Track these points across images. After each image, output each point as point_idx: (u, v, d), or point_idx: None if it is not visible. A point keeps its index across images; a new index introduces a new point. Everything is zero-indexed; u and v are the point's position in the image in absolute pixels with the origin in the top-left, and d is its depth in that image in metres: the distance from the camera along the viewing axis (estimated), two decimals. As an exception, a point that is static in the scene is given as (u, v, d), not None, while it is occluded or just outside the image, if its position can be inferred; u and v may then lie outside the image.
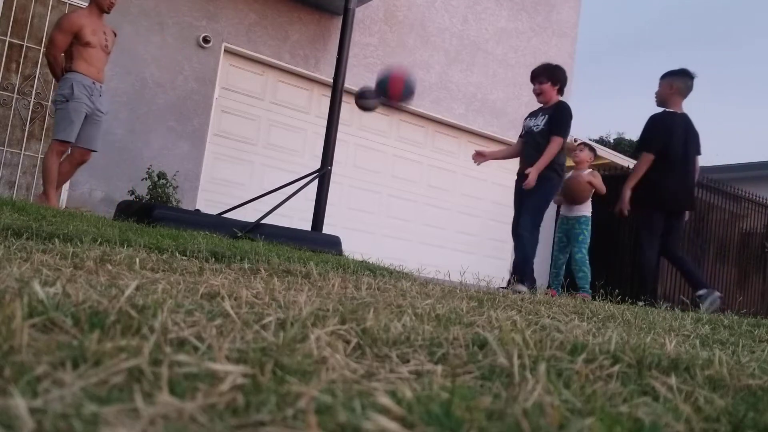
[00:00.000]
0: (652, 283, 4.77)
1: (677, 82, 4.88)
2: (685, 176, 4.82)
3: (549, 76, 4.98)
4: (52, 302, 0.91)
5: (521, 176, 4.89)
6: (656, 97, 4.97)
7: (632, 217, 5.22)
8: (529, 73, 5.12)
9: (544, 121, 4.87)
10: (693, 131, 4.91)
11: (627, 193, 4.90)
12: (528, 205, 4.79)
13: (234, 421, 0.55)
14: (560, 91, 5.01)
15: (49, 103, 5.56)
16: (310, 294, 1.61)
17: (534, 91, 5.05)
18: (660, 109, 4.91)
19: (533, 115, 5.11)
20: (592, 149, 6.04)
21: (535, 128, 4.93)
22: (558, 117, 4.82)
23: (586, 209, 5.66)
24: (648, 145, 4.82)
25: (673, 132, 4.77)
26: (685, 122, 4.86)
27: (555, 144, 4.74)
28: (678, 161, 4.77)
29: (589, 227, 5.60)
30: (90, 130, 4.59)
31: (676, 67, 5.02)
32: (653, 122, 4.87)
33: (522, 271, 4.64)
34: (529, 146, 4.98)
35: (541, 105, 5.05)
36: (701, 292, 4.52)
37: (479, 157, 5.21)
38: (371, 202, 7.62)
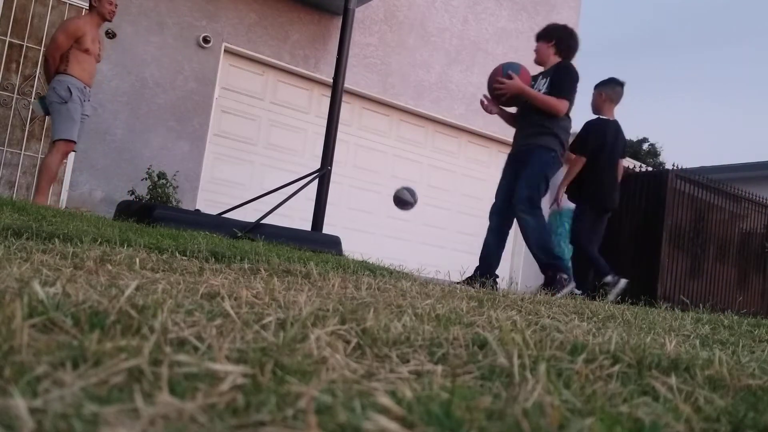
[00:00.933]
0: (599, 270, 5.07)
1: (606, 90, 5.20)
2: (615, 178, 5.20)
3: (546, 34, 4.50)
4: (52, 302, 0.91)
5: (516, 155, 4.40)
6: (591, 107, 5.28)
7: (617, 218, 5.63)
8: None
9: (546, 84, 4.30)
10: (622, 137, 5.27)
11: (561, 191, 5.27)
12: (523, 177, 4.20)
13: (234, 421, 0.55)
14: (561, 53, 4.47)
15: (33, 99, 5.57)
16: (310, 294, 1.61)
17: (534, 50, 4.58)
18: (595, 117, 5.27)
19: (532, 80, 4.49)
20: None
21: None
22: (559, 78, 4.29)
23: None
24: (582, 148, 5.08)
25: (606, 137, 5.12)
26: (615, 128, 5.22)
27: (558, 102, 4.19)
28: (610, 163, 5.16)
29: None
30: None
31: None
32: (588, 128, 5.22)
33: (546, 264, 4.17)
34: (523, 117, 4.42)
35: (541, 70, 4.53)
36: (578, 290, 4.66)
37: (491, 105, 4.60)
38: (371, 202, 7.62)
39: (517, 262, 8.58)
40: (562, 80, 4.32)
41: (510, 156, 4.59)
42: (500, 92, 4.38)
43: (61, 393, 0.55)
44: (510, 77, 4.34)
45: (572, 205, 5.60)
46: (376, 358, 0.92)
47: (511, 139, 8.91)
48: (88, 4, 4.83)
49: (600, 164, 5.07)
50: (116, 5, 4.80)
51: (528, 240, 4.29)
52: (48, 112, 4.59)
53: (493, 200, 4.62)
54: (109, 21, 4.88)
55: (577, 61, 4.87)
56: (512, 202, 4.29)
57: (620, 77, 5.30)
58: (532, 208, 4.19)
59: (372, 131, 7.69)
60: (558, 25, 4.65)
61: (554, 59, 4.49)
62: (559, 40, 4.51)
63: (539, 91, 4.34)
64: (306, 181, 5.12)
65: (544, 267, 4.21)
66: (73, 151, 4.87)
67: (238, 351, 0.80)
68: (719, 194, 8.84)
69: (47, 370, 0.62)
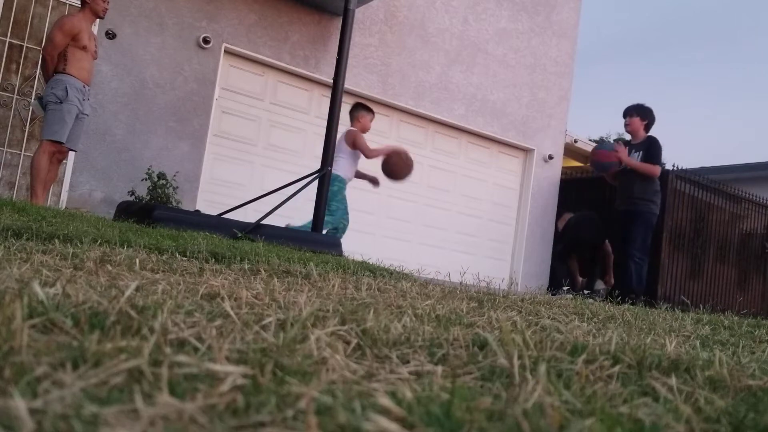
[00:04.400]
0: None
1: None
2: None
3: (639, 112, 5.99)
4: (52, 303, 0.91)
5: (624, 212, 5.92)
6: (632, 131, 6.24)
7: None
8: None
9: (639, 157, 5.87)
10: None
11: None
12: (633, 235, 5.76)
13: (234, 422, 0.55)
14: (647, 128, 6.04)
15: (32, 99, 5.57)
16: (310, 295, 1.61)
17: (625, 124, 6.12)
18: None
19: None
20: (366, 109, 6.03)
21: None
22: (653, 150, 5.89)
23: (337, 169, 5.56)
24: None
25: None
26: None
27: (655, 168, 5.88)
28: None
29: (334, 188, 5.51)
30: (74, 131, 4.66)
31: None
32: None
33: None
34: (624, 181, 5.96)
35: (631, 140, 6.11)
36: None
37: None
38: (371, 203, 7.62)
39: (517, 264, 8.57)
40: (655, 153, 5.94)
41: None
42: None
43: (61, 393, 0.55)
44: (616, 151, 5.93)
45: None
46: (376, 359, 0.92)
47: (510, 140, 8.91)
48: (80, 8, 4.81)
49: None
50: (108, 1, 4.78)
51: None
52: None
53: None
54: (102, 18, 4.87)
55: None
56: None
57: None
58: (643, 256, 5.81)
59: (372, 132, 7.64)
60: (648, 107, 6.09)
61: (644, 134, 6.05)
62: (651, 121, 6.07)
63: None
64: (306, 181, 5.12)
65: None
66: (73, 150, 4.85)
67: (238, 352, 0.80)
68: (719, 195, 8.84)
69: (47, 371, 0.62)
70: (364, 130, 5.93)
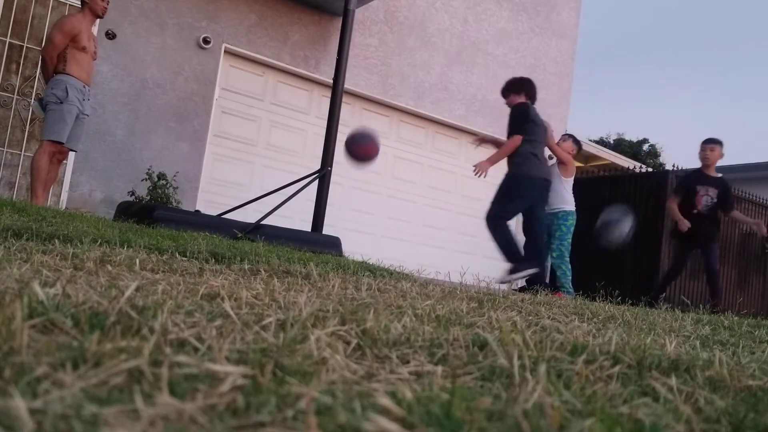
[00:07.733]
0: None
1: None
2: None
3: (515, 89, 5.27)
4: (52, 303, 0.91)
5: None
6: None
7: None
8: (529, 76, 5.17)
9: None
10: None
11: None
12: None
13: (234, 422, 0.55)
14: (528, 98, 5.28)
15: (32, 100, 5.57)
16: (310, 295, 1.61)
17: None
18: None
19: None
20: (576, 141, 6.17)
21: None
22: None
23: (564, 203, 5.80)
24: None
25: None
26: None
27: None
28: None
29: (568, 223, 5.79)
30: (75, 131, 4.66)
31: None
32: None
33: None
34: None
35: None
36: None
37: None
38: (371, 203, 7.62)
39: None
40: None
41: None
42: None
43: (61, 394, 0.55)
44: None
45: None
46: (376, 359, 0.92)
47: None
48: (81, 9, 4.82)
49: None
50: (108, 1, 4.78)
51: None
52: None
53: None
54: (102, 18, 4.87)
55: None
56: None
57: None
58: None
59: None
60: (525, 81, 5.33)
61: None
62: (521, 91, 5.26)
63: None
64: (306, 181, 5.12)
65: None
66: (73, 151, 4.85)
67: (238, 352, 0.80)
68: (719, 195, 8.80)
69: (47, 371, 0.62)
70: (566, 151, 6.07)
